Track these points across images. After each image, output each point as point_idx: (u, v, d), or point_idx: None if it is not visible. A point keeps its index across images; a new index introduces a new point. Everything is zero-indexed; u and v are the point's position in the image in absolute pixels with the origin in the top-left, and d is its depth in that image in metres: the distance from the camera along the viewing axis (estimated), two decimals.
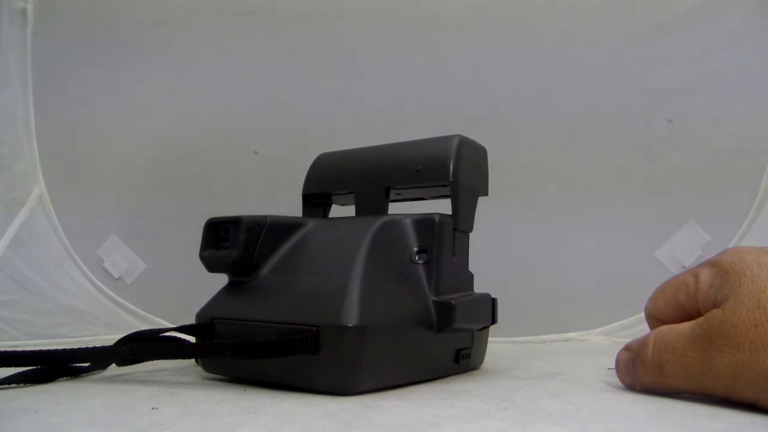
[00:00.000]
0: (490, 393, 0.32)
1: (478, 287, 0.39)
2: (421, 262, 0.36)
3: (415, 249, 0.36)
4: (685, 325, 0.28)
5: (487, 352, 0.41)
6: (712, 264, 0.29)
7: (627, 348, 0.33)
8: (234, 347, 0.32)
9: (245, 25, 0.68)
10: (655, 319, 0.32)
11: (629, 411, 0.28)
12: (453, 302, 0.35)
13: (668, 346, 0.29)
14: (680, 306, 0.30)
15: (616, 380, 0.36)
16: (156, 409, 0.28)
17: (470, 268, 0.39)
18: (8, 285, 0.61)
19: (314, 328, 0.31)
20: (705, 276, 0.29)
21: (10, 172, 0.65)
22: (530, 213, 0.63)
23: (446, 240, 0.37)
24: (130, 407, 0.29)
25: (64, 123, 0.69)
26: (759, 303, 0.26)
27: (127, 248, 0.68)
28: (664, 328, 0.30)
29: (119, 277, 0.68)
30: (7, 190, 0.64)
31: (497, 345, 0.41)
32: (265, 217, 0.38)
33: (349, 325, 0.31)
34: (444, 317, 0.35)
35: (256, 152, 0.68)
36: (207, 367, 0.38)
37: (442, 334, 0.35)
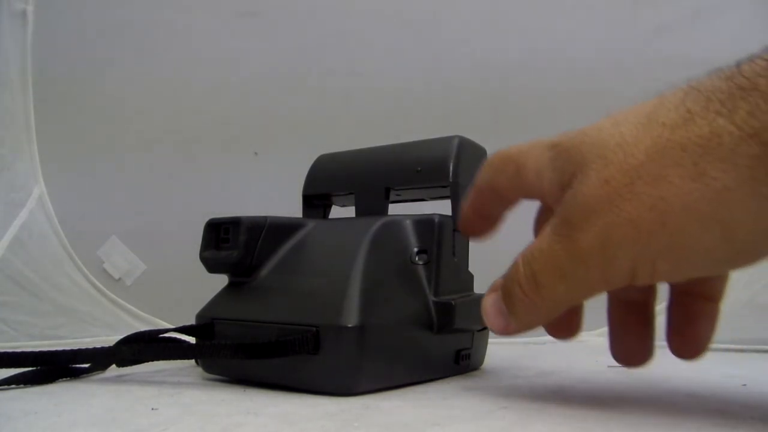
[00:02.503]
0: (490, 393, 0.32)
1: (478, 287, 0.39)
2: (421, 262, 0.36)
3: (415, 249, 0.36)
4: (545, 227, 0.25)
5: (487, 352, 0.41)
6: (551, 146, 0.25)
7: (493, 288, 0.28)
8: (234, 347, 0.32)
9: (245, 26, 0.68)
10: None
11: (629, 410, 0.28)
12: (453, 303, 0.35)
13: (535, 252, 0.25)
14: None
15: (616, 380, 0.36)
16: (156, 409, 0.28)
17: (470, 269, 0.39)
18: (8, 286, 0.61)
19: (314, 329, 0.31)
20: (545, 162, 0.25)
21: (10, 172, 0.65)
22: (530, 213, 0.63)
23: (446, 241, 0.37)
24: (130, 408, 0.29)
25: (64, 123, 0.69)
26: (605, 160, 0.22)
27: (127, 249, 0.68)
28: (529, 246, 0.26)
29: (119, 278, 0.68)
30: (7, 191, 0.64)
31: (497, 346, 0.41)
32: (265, 217, 0.38)
33: (349, 325, 0.31)
34: (444, 318, 0.35)
35: (256, 153, 0.68)
36: (207, 368, 0.37)
37: (442, 335, 0.35)
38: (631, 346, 0.29)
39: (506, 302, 0.26)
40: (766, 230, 0.20)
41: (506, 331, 0.27)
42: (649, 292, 0.29)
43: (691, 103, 0.21)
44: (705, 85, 0.21)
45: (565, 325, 0.29)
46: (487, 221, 0.31)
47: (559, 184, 0.24)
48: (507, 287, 0.26)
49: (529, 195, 0.28)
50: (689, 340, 0.27)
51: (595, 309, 0.64)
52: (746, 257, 0.21)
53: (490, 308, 0.28)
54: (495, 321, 0.27)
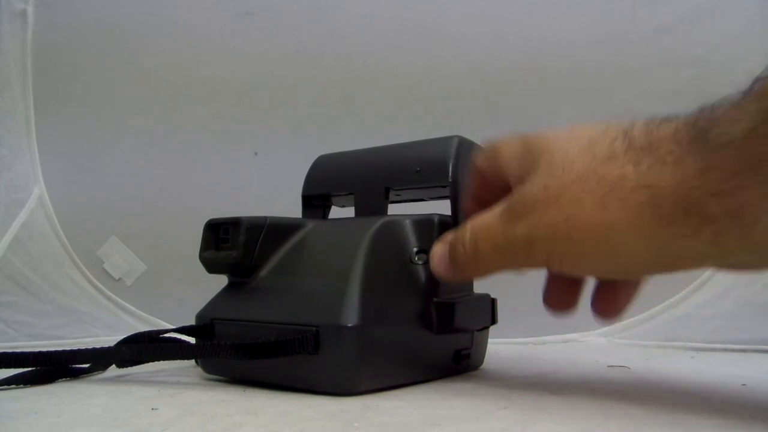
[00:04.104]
0: (489, 393, 0.32)
1: (478, 287, 0.39)
2: (420, 262, 0.36)
3: (415, 249, 0.36)
4: (496, 206, 0.30)
5: (487, 352, 0.41)
6: (521, 138, 0.30)
7: (443, 241, 0.33)
8: (234, 348, 0.32)
9: (243, 26, 0.68)
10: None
11: (629, 410, 0.28)
12: (453, 303, 0.35)
13: (482, 225, 0.30)
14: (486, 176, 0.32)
15: (616, 379, 0.36)
16: (156, 409, 0.28)
17: None
18: (8, 286, 0.61)
19: (314, 329, 0.31)
20: (516, 151, 0.30)
21: (10, 173, 0.65)
22: None
23: None
24: (130, 408, 0.29)
25: (64, 123, 0.69)
26: (549, 168, 0.27)
27: (127, 249, 0.68)
28: (477, 214, 0.31)
29: (119, 279, 0.68)
30: (7, 191, 0.64)
31: (497, 346, 0.41)
32: (265, 218, 0.38)
33: (349, 325, 0.31)
34: (444, 318, 0.35)
35: (256, 153, 0.68)
36: (207, 368, 0.38)
37: (442, 335, 0.35)
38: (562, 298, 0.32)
39: (451, 255, 0.32)
40: (638, 258, 0.25)
41: (447, 277, 0.32)
42: None
43: (618, 145, 0.26)
44: (634, 132, 0.25)
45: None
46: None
47: (518, 176, 0.29)
48: (453, 245, 0.31)
49: (501, 179, 0.32)
50: (610, 305, 0.31)
51: None
52: (625, 274, 0.27)
53: (437, 257, 0.33)
54: (439, 268, 0.33)
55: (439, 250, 0.33)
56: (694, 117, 0.24)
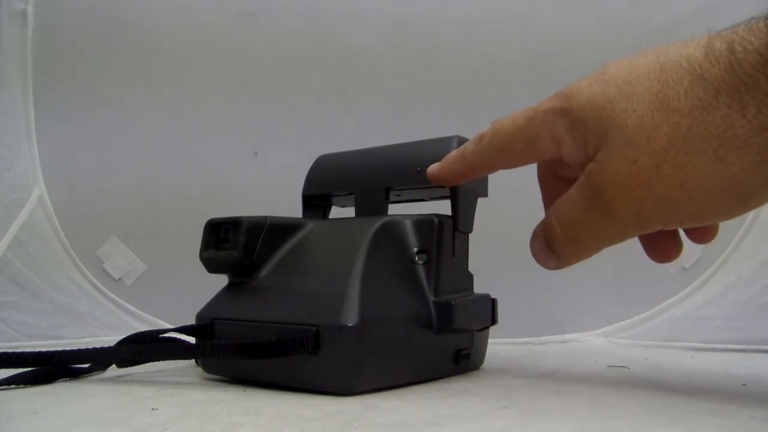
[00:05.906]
0: (490, 392, 0.32)
1: (478, 287, 0.39)
2: (420, 262, 0.36)
3: (415, 250, 0.36)
4: (573, 192, 0.28)
5: (487, 352, 0.41)
6: (563, 114, 0.28)
7: (535, 236, 0.32)
8: (234, 347, 0.32)
9: (243, 26, 0.68)
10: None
11: (629, 408, 0.28)
12: (453, 303, 0.35)
13: (570, 219, 0.29)
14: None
15: (615, 379, 0.36)
16: (156, 409, 0.28)
17: (470, 269, 0.39)
18: (8, 286, 0.61)
19: (314, 328, 0.31)
20: (562, 131, 0.28)
21: (10, 173, 0.65)
22: (531, 213, 0.63)
23: (446, 241, 0.37)
24: (130, 407, 0.29)
25: (64, 123, 0.69)
26: (627, 140, 0.26)
27: (127, 249, 0.68)
28: (557, 203, 0.30)
29: (119, 279, 0.68)
30: (7, 191, 0.64)
31: (497, 346, 0.41)
32: (265, 217, 0.38)
33: (349, 325, 0.31)
34: (444, 318, 0.35)
35: (256, 153, 0.68)
36: (207, 368, 0.38)
37: (442, 335, 0.35)
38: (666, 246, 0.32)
39: (552, 248, 0.30)
40: None
41: (557, 267, 0.31)
42: None
43: (701, 92, 0.24)
44: (710, 74, 0.24)
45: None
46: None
47: (583, 152, 0.28)
48: (549, 242, 0.30)
49: (542, 160, 0.32)
50: (703, 233, 0.31)
51: (596, 309, 0.64)
52: (752, 209, 0.26)
53: (539, 253, 0.31)
54: (546, 262, 0.31)
55: (537, 247, 0.31)
56: None
